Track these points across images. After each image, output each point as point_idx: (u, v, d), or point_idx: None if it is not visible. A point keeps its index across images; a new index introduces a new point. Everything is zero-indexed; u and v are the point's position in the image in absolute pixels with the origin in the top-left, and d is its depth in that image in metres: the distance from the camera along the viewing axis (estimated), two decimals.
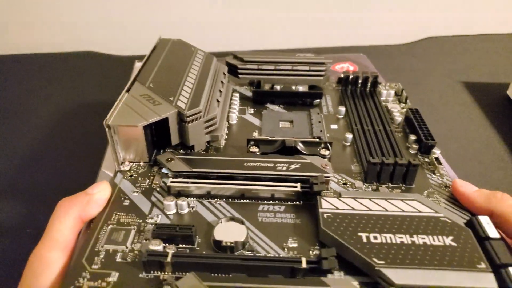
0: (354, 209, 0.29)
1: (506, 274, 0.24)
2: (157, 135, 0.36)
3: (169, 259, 0.25)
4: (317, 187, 0.31)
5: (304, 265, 0.25)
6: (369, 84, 0.46)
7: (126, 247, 0.27)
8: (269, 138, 0.37)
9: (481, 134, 0.55)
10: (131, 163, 0.35)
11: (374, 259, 0.25)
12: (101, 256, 0.27)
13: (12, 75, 0.72)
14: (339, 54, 0.50)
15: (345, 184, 0.33)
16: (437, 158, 0.35)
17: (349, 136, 0.38)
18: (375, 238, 0.26)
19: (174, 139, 0.35)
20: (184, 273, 0.25)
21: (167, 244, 0.27)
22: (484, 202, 0.30)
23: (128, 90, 0.37)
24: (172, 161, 0.33)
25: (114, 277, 0.26)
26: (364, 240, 0.26)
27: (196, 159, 0.34)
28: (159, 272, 0.26)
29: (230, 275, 0.25)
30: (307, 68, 0.45)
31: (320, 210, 0.28)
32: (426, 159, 0.36)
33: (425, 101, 0.60)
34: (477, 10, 0.82)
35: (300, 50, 0.78)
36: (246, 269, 0.25)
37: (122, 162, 0.35)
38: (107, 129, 0.32)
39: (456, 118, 0.58)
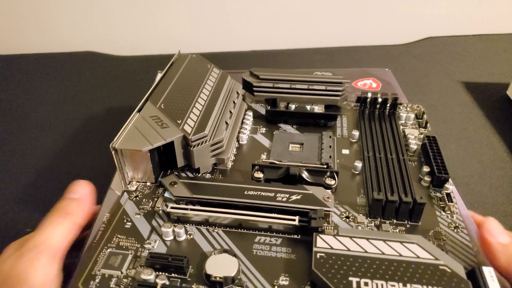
0: (349, 249, 0.28)
1: None
2: (165, 156, 0.37)
3: None
4: (315, 222, 0.30)
5: None
6: (388, 106, 0.44)
7: (121, 273, 0.28)
8: (276, 163, 0.37)
9: (481, 134, 0.55)
10: (138, 183, 0.36)
11: None
12: (97, 280, 0.28)
13: (12, 75, 0.73)
14: (363, 68, 0.49)
15: (347, 217, 0.33)
16: (448, 194, 0.34)
17: (359, 164, 0.37)
18: (366, 284, 0.26)
19: (180, 161, 0.36)
20: None
21: (160, 273, 0.28)
22: (506, 262, 0.27)
23: (139, 110, 0.37)
24: (175, 185, 0.34)
25: None
26: (354, 286, 0.26)
27: (198, 184, 0.34)
28: None
29: None
30: (323, 87, 0.44)
31: (314, 249, 0.28)
32: (438, 194, 0.35)
33: (425, 101, 0.58)
34: (477, 10, 0.82)
35: (299, 50, 0.78)
36: None
37: (130, 182, 0.36)
38: (113, 152, 0.33)
39: (456, 118, 0.58)
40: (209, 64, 0.45)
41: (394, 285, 0.26)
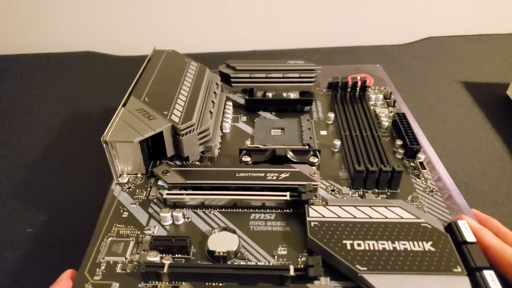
0: (339, 217, 0.30)
1: (480, 277, 0.25)
2: (153, 147, 0.38)
3: (165, 270, 0.27)
4: (305, 195, 0.32)
5: (291, 273, 0.27)
6: (358, 88, 0.47)
7: (126, 259, 0.29)
8: (261, 147, 0.39)
9: (481, 134, 0.55)
10: (129, 175, 0.37)
11: (357, 266, 0.27)
12: (102, 267, 0.29)
13: (12, 75, 0.72)
14: (356, 65, 0.50)
15: (333, 190, 0.35)
16: (421, 163, 0.37)
17: (337, 143, 0.40)
18: (359, 245, 0.28)
19: (169, 151, 0.37)
20: (179, 282, 0.27)
21: (164, 255, 0.29)
22: None
23: (124, 105, 0.38)
24: (167, 173, 0.35)
25: (115, 287, 0.27)
26: (348, 247, 0.28)
27: (190, 170, 0.35)
28: (156, 282, 0.27)
29: (223, 284, 0.27)
30: (297, 75, 0.47)
31: (308, 219, 0.30)
32: (412, 164, 0.38)
33: (424, 101, 0.61)
34: (477, 10, 0.82)
35: (299, 50, 0.80)
36: (237, 278, 0.27)
37: (120, 175, 0.37)
38: (104, 145, 0.34)
39: (456, 118, 0.58)
40: (186, 58, 0.47)
41: (383, 244, 0.28)
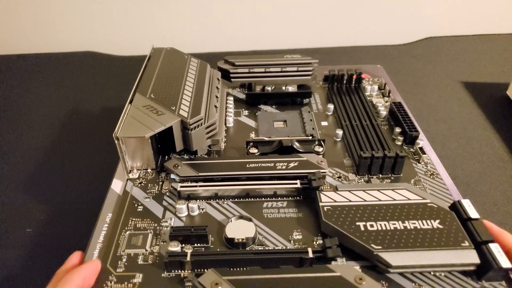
0: (350, 201, 0.32)
1: (486, 250, 0.27)
2: (162, 142, 0.39)
3: (188, 258, 0.28)
4: (315, 182, 0.33)
5: (310, 254, 0.28)
6: (353, 80, 0.49)
7: (146, 250, 0.30)
8: (266, 139, 0.40)
9: (481, 134, 0.55)
10: (139, 171, 0.37)
11: (372, 245, 0.28)
12: (124, 260, 0.29)
13: (12, 75, 0.72)
14: (356, 65, 0.51)
15: (339, 177, 0.36)
16: (421, 148, 0.39)
17: (340, 132, 0.41)
18: (372, 226, 0.29)
19: (179, 145, 0.37)
20: (202, 270, 0.28)
21: (183, 245, 0.30)
22: None
23: (131, 102, 0.39)
24: (179, 167, 0.36)
25: (139, 278, 0.28)
26: (362, 228, 0.29)
27: (201, 163, 0.36)
28: (179, 271, 0.28)
29: (247, 269, 0.28)
30: (295, 68, 0.48)
31: (320, 204, 0.31)
32: (411, 149, 0.39)
33: (425, 101, 0.61)
34: (477, 10, 0.82)
35: (299, 50, 0.79)
36: (259, 262, 0.28)
37: (130, 171, 0.37)
38: (116, 141, 0.34)
39: (456, 118, 0.58)
40: (185, 55, 0.47)
41: (394, 223, 0.30)
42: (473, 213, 0.30)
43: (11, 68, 0.74)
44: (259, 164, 0.36)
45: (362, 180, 0.36)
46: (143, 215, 0.33)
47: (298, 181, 0.34)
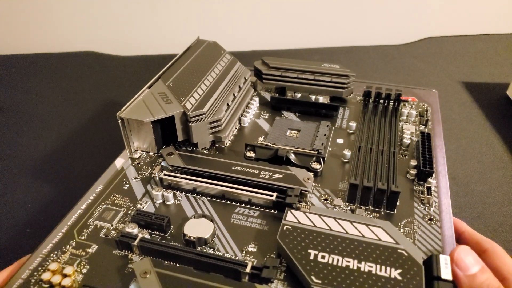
0: (315, 226, 0.30)
1: None
2: (169, 130, 0.40)
3: (136, 242, 0.29)
4: (289, 199, 0.32)
5: (248, 269, 0.27)
6: (391, 101, 0.45)
7: (111, 226, 0.32)
8: (270, 145, 0.39)
9: (481, 134, 0.55)
10: (143, 152, 0.40)
11: (312, 277, 0.26)
12: (89, 229, 0.32)
13: (12, 75, 0.72)
14: (408, 86, 0.48)
15: (326, 199, 0.34)
16: (429, 188, 0.34)
17: (348, 153, 0.38)
18: (323, 257, 0.27)
19: (180, 135, 0.39)
20: (146, 257, 0.29)
21: (144, 229, 0.31)
22: None
23: (150, 86, 0.41)
24: (171, 156, 0.37)
25: (93, 249, 0.30)
26: (312, 257, 0.27)
27: (192, 156, 0.37)
28: (128, 252, 0.30)
29: (180, 265, 0.28)
30: (328, 79, 0.46)
31: (283, 222, 0.30)
32: (421, 187, 0.35)
33: None
34: (477, 10, 0.82)
35: (299, 50, 0.78)
36: (196, 263, 0.28)
37: (135, 150, 0.40)
38: (119, 121, 0.37)
39: (456, 118, 0.58)
40: (223, 50, 0.48)
41: (349, 261, 0.27)
42: (445, 273, 0.26)
43: (11, 68, 0.75)
44: (244, 169, 0.35)
45: (349, 208, 0.33)
46: (125, 193, 0.35)
47: (275, 194, 0.33)
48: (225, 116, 0.40)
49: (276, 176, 0.34)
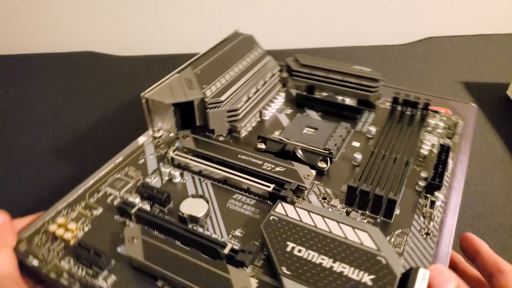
0: (301, 220, 0.30)
1: None
2: (190, 115, 0.42)
3: (132, 211, 0.31)
4: (284, 192, 0.33)
5: (226, 251, 0.28)
6: (418, 109, 0.43)
7: (119, 194, 0.35)
8: (283, 139, 0.40)
9: (481, 134, 0.55)
10: (164, 132, 0.42)
11: (283, 268, 0.27)
12: (99, 194, 0.35)
13: (12, 75, 0.72)
14: (444, 98, 0.46)
15: (324, 198, 0.34)
16: (433, 202, 0.33)
17: (358, 156, 0.38)
18: (299, 251, 0.28)
19: (198, 120, 0.41)
20: (139, 225, 0.32)
21: (145, 201, 0.34)
22: None
23: (179, 72, 0.43)
24: (186, 138, 0.39)
25: (98, 211, 0.33)
26: (288, 249, 0.28)
27: (204, 141, 0.39)
28: (127, 219, 0.32)
29: (164, 237, 0.30)
30: (357, 81, 0.45)
31: (271, 212, 0.31)
32: (426, 201, 0.34)
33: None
34: (477, 10, 0.82)
35: (299, 50, 0.74)
36: (182, 237, 0.30)
37: (158, 130, 0.43)
38: (143, 101, 0.40)
39: None
40: (255, 44, 0.49)
41: (324, 259, 0.27)
42: (420, 286, 0.25)
43: (11, 68, 0.74)
44: (249, 158, 0.36)
45: (345, 210, 0.33)
46: (139, 167, 0.38)
47: (272, 186, 0.34)
48: (243, 107, 0.41)
49: (277, 169, 0.35)
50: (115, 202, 0.34)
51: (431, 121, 0.42)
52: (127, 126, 0.57)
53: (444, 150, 0.37)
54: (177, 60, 0.71)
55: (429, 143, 0.39)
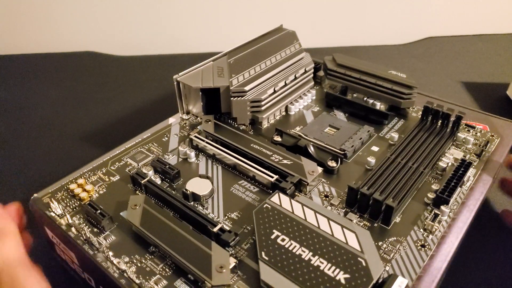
0: (293, 212, 0.31)
1: None
2: (218, 102, 0.44)
3: (143, 181, 0.34)
4: (284, 184, 0.33)
5: (215, 229, 0.30)
6: (450, 123, 0.41)
7: (138, 165, 0.38)
8: (302, 135, 0.40)
9: None
10: (192, 115, 0.45)
11: (263, 253, 0.28)
12: (120, 163, 0.38)
13: (12, 75, 0.72)
14: (487, 114, 0.44)
15: (326, 196, 0.35)
16: (436, 215, 0.32)
17: (372, 160, 0.37)
18: (283, 240, 0.29)
19: (223, 107, 0.43)
20: (145, 194, 0.34)
21: (157, 174, 0.36)
22: None
23: (214, 60, 0.46)
24: (208, 122, 0.41)
25: (115, 178, 0.36)
26: (273, 236, 0.29)
27: (224, 127, 0.41)
28: (138, 188, 0.35)
29: (164, 207, 0.32)
30: (389, 86, 0.44)
31: (266, 200, 0.32)
32: (431, 213, 0.33)
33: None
34: (477, 10, 0.82)
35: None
36: (179, 211, 0.32)
37: (187, 112, 0.45)
38: (175, 83, 0.42)
39: None
40: (295, 40, 0.50)
41: (304, 252, 0.28)
42: None
43: (11, 68, 0.74)
44: (260, 148, 0.37)
45: (343, 210, 0.33)
46: (161, 144, 0.41)
47: (276, 176, 0.35)
48: (267, 99, 0.42)
49: (284, 161, 0.36)
50: (132, 172, 0.37)
51: (461, 135, 0.40)
52: (127, 126, 0.58)
53: (464, 166, 0.35)
54: (177, 60, 0.75)
55: (451, 157, 0.38)
